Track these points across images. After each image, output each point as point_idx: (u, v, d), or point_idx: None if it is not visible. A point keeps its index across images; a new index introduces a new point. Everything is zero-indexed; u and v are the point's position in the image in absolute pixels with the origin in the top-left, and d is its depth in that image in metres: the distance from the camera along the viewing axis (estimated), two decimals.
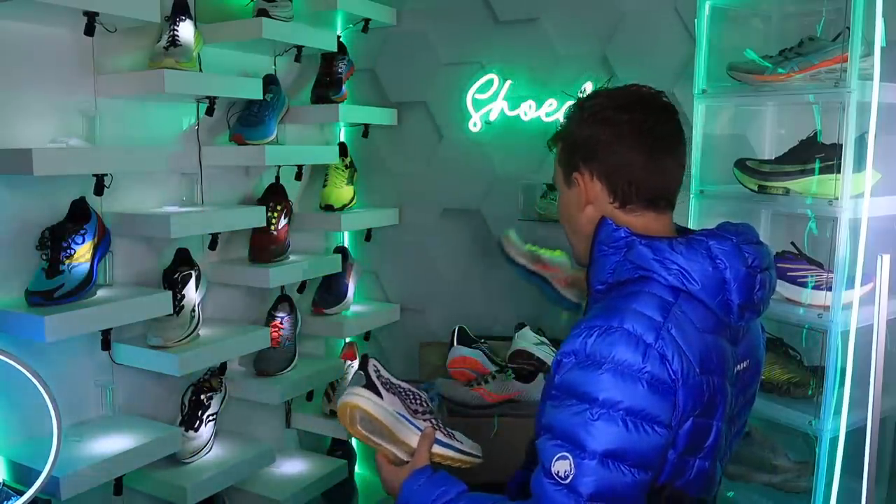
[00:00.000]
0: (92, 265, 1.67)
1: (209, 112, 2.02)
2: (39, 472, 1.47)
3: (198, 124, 2.10)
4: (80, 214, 1.68)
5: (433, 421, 1.29)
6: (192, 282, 1.93)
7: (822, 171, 1.63)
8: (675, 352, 1.02)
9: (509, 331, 2.22)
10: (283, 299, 2.33)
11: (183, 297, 1.90)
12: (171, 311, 1.82)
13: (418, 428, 1.28)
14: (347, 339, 2.60)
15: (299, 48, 2.23)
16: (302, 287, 2.41)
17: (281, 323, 2.26)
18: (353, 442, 2.61)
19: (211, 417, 2.02)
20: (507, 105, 2.34)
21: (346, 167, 2.48)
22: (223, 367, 2.08)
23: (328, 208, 2.42)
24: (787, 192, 1.70)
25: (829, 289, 1.62)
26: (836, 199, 1.57)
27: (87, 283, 1.64)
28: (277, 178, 2.30)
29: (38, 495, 1.49)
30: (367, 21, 2.44)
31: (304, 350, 2.39)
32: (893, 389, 1.70)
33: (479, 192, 2.43)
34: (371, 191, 2.63)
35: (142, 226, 1.85)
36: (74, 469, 1.59)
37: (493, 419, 1.95)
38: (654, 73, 2.12)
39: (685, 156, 1.21)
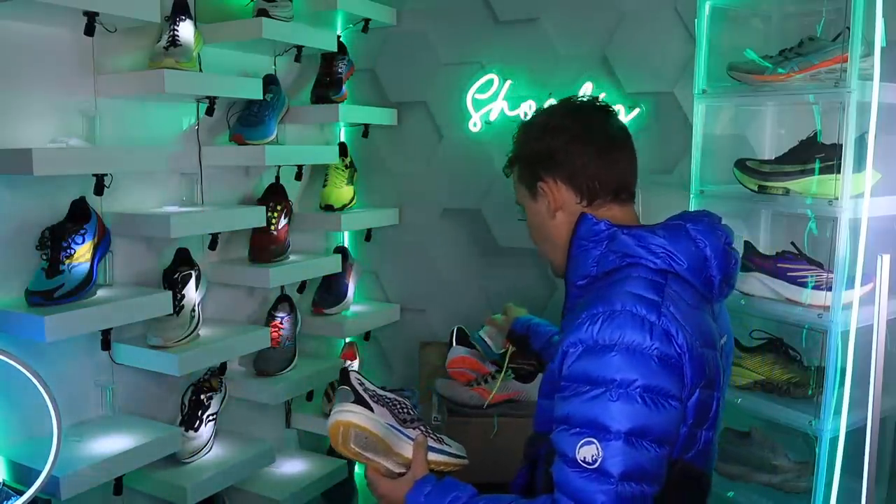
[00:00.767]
0: (92, 265, 1.66)
1: (209, 112, 2.02)
2: (39, 472, 1.47)
3: (198, 124, 2.10)
4: (80, 214, 1.68)
5: (422, 428, 1.28)
6: (192, 282, 1.93)
7: (822, 171, 1.63)
8: (678, 327, 1.07)
9: None
10: (283, 299, 2.33)
11: (183, 297, 1.90)
12: (171, 311, 1.82)
13: (410, 437, 1.26)
14: (347, 339, 2.60)
15: (299, 48, 2.23)
16: (302, 287, 2.41)
17: (281, 323, 2.26)
18: None
19: (211, 417, 2.02)
20: (507, 105, 2.34)
21: (346, 167, 2.48)
22: (223, 367, 2.08)
23: (328, 208, 2.42)
24: (787, 192, 1.70)
25: (829, 289, 1.62)
26: (836, 199, 1.57)
27: (87, 283, 1.64)
28: (277, 178, 2.30)
29: (38, 495, 1.49)
30: (367, 21, 2.44)
31: (304, 350, 2.39)
32: (893, 389, 1.70)
33: (479, 192, 2.43)
34: (371, 191, 2.63)
35: (142, 226, 1.85)
36: (74, 469, 1.59)
37: (492, 419, 1.95)
38: (654, 73, 2.13)
39: (634, 150, 1.29)
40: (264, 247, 2.19)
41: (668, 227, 1.19)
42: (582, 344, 1.08)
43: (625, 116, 2.19)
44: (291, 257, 2.29)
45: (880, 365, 1.53)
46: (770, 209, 1.94)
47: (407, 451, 1.25)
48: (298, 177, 2.34)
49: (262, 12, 2.05)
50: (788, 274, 1.70)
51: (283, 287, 2.33)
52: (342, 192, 2.45)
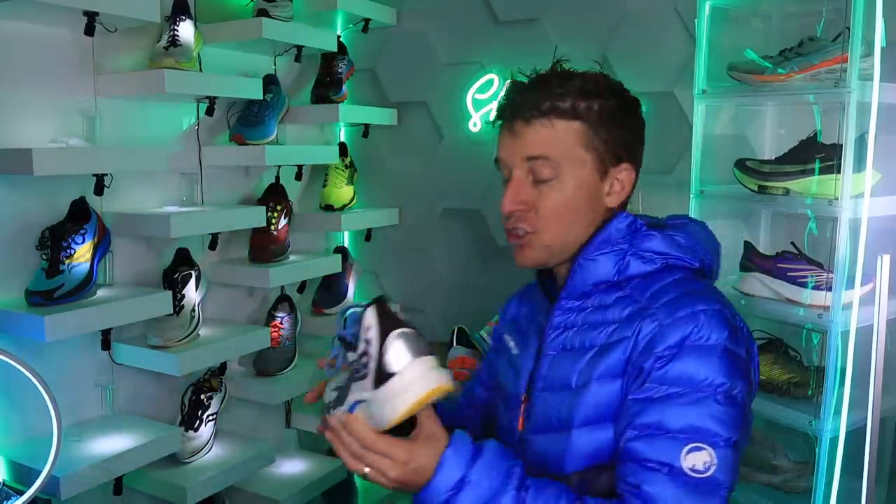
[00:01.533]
0: (92, 265, 1.66)
1: (209, 112, 2.02)
2: (39, 472, 1.47)
3: (198, 124, 2.10)
4: (80, 214, 1.68)
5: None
6: (192, 282, 1.93)
7: (822, 171, 1.63)
8: (744, 325, 1.06)
9: None
10: (283, 299, 2.33)
11: (183, 297, 1.90)
12: (171, 311, 1.82)
13: None
14: None
15: (299, 48, 2.23)
16: (302, 287, 2.41)
17: (281, 323, 2.26)
18: None
19: (211, 417, 2.02)
20: None
21: (346, 167, 2.48)
22: (223, 367, 2.08)
23: (328, 208, 2.42)
24: (787, 192, 1.70)
25: (829, 289, 1.62)
26: (836, 199, 1.57)
27: (87, 283, 1.64)
28: (277, 178, 2.30)
29: (38, 495, 1.49)
30: (367, 21, 2.44)
31: (304, 350, 2.39)
32: (893, 389, 1.70)
33: (479, 192, 2.43)
34: (371, 191, 2.63)
35: (142, 226, 1.85)
36: (74, 469, 1.59)
37: None
38: (654, 73, 2.13)
39: None
40: (264, 247, 2.19)
41: (681, 227, 1.14)
42: (679, 347, 0.98)
43: None
44: (291, 257, 2.29)
45: (880, 365, 1.53)
46: (770, 209, 1.94)
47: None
48: (298, 177, 2.34)
49: (262, 12, 2.06)
50: (788, 274, 1.70)
51: (283, 287, 2.33)
52: (342, 192, 2.45)
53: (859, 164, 1.57)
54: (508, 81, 1.20)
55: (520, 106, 1.11)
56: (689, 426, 0.94)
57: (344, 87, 2.42)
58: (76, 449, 1.69)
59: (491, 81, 2.36)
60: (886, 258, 1.51)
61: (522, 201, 1.09)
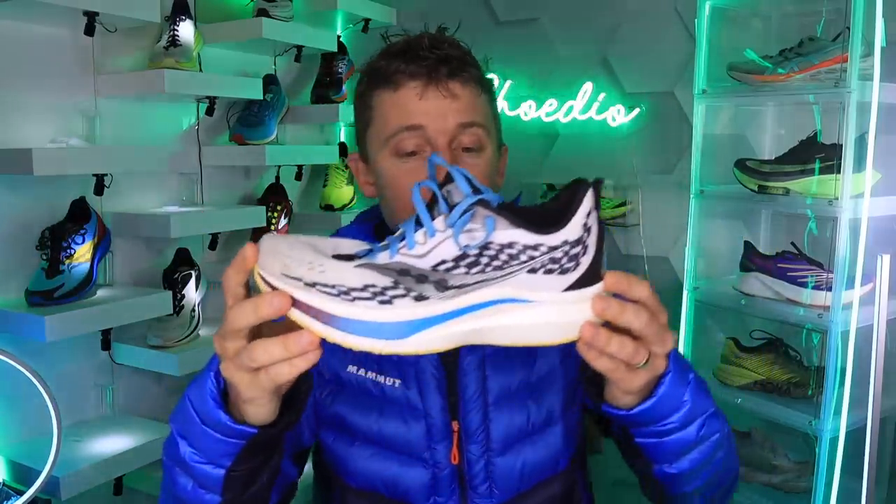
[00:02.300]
0: (92, 265, 1.66)
1: (209, 112, 2.02)
2: (39, 472, 1.47)
3: (198, 124, 2.10)
4: (80, 214, 1.68)
5: None
6: (192, 282, 1.93)
7: (822, 171, 1.63)
8: None
9: None
10: None
11: (183, 297, 1.90)
12: (171, 311, 1.82)
13: None
14: None
15: (299, 48, 2.23)
16: None
17: None
18: None
19: None
20: (507, 105, 2.34)
21: (346, 167, 2.48)
22: None
23: (328, 208, 2.42)
24: (787, 192, 1.70)
25: (829, 289, 1.62)
26: (836, 199, 1.57)
27: (87, 283, 1.64)
28: (277, 178, 2.30)
29: (38, 495, 1.49)
30: (367, 21, 2.44)
31: None
32: (893, 389, 1.70)
33: None
34: None
35: (142, 226, 1.85)
36: (74, 469, 1.59)
37: None
38: (654, 73, 2.13)
39: None
40: None
41: None
42: None
43: (625, 116, 2.19)
44: None
45: (880, 365, 1.53)
46: (770, 209, 1.95)
47: None
48: (298, 177, 2.34)
49: (262, 12, 2.05)
50: (788, 274, 1.71)
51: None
52: (342, 192, 2.45)
53: (859, 164, 1.58)
54: (414, 34, 0.98)
55: (457, 63, 0.93)
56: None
57: (344, 87, 2.42)
58: (76, 449, 1.69)
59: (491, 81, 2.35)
60: (886, 258, 1.51)
61: None
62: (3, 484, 1.61)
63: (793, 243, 1.78)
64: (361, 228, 1.01)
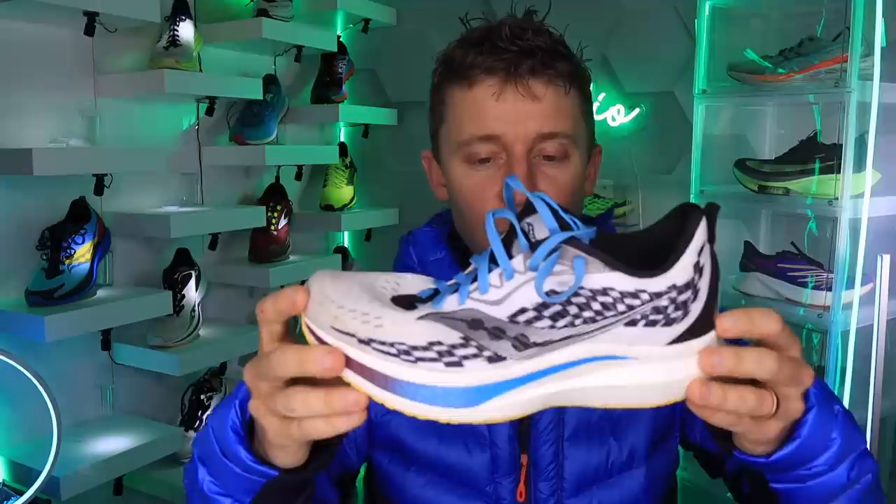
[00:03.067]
0: (92, 265, 1.66)
1: (209, 112, 2.02)
2: (39, 472, 1.47)
3: (198, 124, 2.10)
4: (80, 214, 1.68)
5: None
6: (192, 282, 1.93)
7: (822, 171, 1.63)
8: None
9: None
10: None
11: (183, 297, 1.90)
12: (171, 311, 1.82)
13: None
14: None
15: (299, 48, 2.23)
16: None
17: None
18: None
19: None
20: None
21: (346, 167, 2.48)
22: (223, 367, 2.08)
23: (328, 208, 2.42)
24: (787, 192, 1.70)
25: (829, 289, 1.62)
26: (836, 199, 1.57)
27: (87, 283, 1.64)
28: (277, 178, 2.30)
29: (38, 495, 1.49)
30: (367, 21, 2.44)
31: None
32: (893, 389, 1.70)
33: None
34: (371, 191, 2.63)
35: (142, 226, 1.85)
36: (74, 469, 1.59)
37: None
38: (654, 73, 2.13)
39: None
40: (264, 247, 2.19)
41: None
42: None
43: (625, 116, 2.19)
44: (291, 257, 2.29)
45: (880, 365, 1.53)
46: (770, 209, 1.94)
47: None
48: (298, 177, 2.34)
49: (262, 12, 2.06)
50: (788, 274, 1.70)
51: (283, 287, 2.33)
52: (342, 192, 2.45)
53: (859, 164, 1.58)
54: (481, 23, 0.85)
55: (542, 57, 0.80)
56: None
57: (344, 87, 2.42)
58: (76, 449, 1.68)
59: None
60: (886, 258, 1.51)
61: (536, 186, 0.81)
62: (3, 484, 1.61)
63: (793, 243, 1.78)
64: (435, 233, 0.93)
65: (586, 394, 0.51)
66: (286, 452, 0.58)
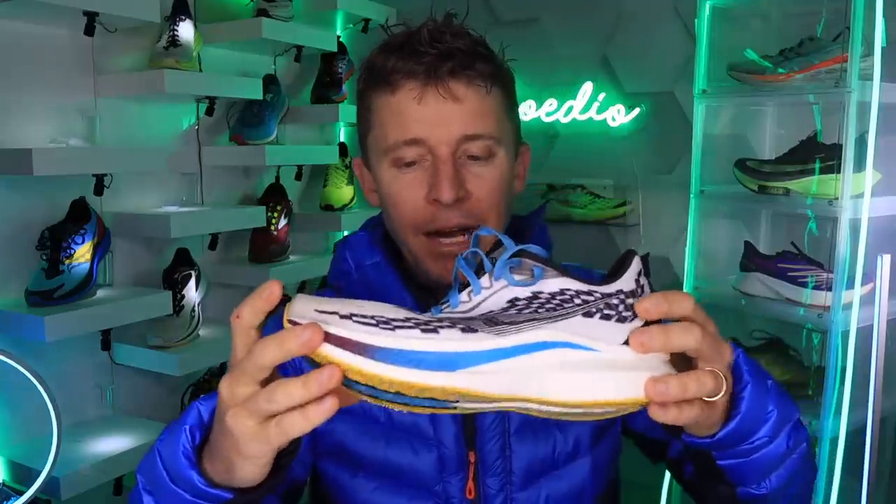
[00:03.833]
0: (92, 265, 1.66)
1: (209, 112, 2.02)
2: (39, 472, 1.47)
3: (198, 124, 2.10)
4: (80, 214, 1.68)
5: None
6: (192, 282, 1.93)
7: (823, 171, 1.63)
8: None
9: None
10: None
11: (183, 297, 1.90)
12: (171, 311, 1.82)
13: None
14: None
15: (299, 48, 2.22)
16: (302, 287, 2.41)
17: None
18: None
19: None
20: None
21: (346, 167, 2.48)
22: (223, 367, 2.08)
23: (328, 208, 2.42)
24: (787, 192, 1.70)
25: (829, 289, 1.62)
26: (836, 199, 1.57)
27: (86, 283, 1.64)
28: (277, 178, 2.30)
29: (38, 495, 1.49)
30: (367, 21, 2.44)
31: None
32: (893, 389, 1.70)
33: None
34: None
35: (142, 226, 1.85)
36: (74, 469, 1.59)
37: None
38: (654, 73, 2.13)
39: None
40: (264, 247, 2.19)
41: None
42: None
43: (625, 116, 2.19)
44: (291, 257, 2.29)
45: (880, 365, 1.53)
46: (770, 209, 1.94)
47: None
48: (298, 177, 2.34)
49: (262, 12, 2.06)
50: (788, 274, 1.70)
51: (282, 287, 2.33)
52: (342, 192, 2.45)
53: (859, 164, 1.58)
54: (417, 25, 0.84)
55: (461, 59, 0.81)
56: None
57: (344, 87, 2.42)
58: (76, 449, 1.68)
59: None
60: (886, 258, 1.51)
61: (463, 186, 0.82)
62: (3, 484, 1.61)
63: (793, 243, 1.78)
64: (369, 237, 0.93)
65: (543, 384, 0.53)
66: (254, 464, 0.58)
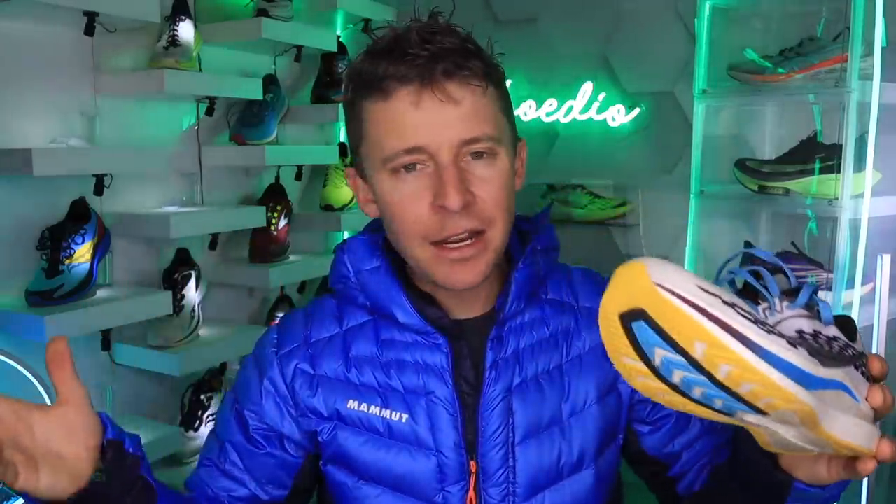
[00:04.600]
0: (92, 265, 1.66)
1: (209, 112, 2.02)
2: None
3: (198, 124, 2.10)
4: (80, 214, 1.68)
5: None
6: (192, 282, 1.93)
7: (822, 171, 1.63)
8: None
9: None
10: (283, 299, 2.33)
11: (183, 297, 1.90)
12: (171, 311, 1.82)
13: None
14: None
15: (299, 48, 2.22)
16: (302, 287, 2.41)
17: None
18: None
19: (211, 417, 2.02)
20: None
21: (346, 167, 2.48)
22: (223, 367, 2.08)
23: (328, 208, 2.42)
24: (787, 192, 1.70)
25: (830, 289, 1.62)
26: (836, 199, 1.57)
27: (86, 283, 1.64)
28: (277, 178, 2.30)
29: None
30: (367, 21, 2.44)
31: None
32: (894, 389, 1.70)
33: None
34: None
35: (142, 226, 1.85)
36: None
37: None
38: (654, 73, 2.13)
39: None
40: (264, 247, 2.19)
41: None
42: None
43: (625, 116, 2.19)
44: (291, 257, 2.28)
45: None
46: (770, 209, 1.94)
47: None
48: (298, 177, 2.34)
49: (262, 12, 2.05)
50: None
51: (282, 287, 2.33)
52: (342, 192, 2.45)
53: (859, 164, 1.58)
54: (388, 23, 0.87)
55: (455, 58, 0.79)
56: None
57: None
58: None
59: None
60: (886, 258, 1.51)
61: (469, 190, 0.80)
62: (3, 484, 1.60)
63: (793, 243, 1.78)
64: (369, 242, 0.90)
65: (831, 420, 0.57)
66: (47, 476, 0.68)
